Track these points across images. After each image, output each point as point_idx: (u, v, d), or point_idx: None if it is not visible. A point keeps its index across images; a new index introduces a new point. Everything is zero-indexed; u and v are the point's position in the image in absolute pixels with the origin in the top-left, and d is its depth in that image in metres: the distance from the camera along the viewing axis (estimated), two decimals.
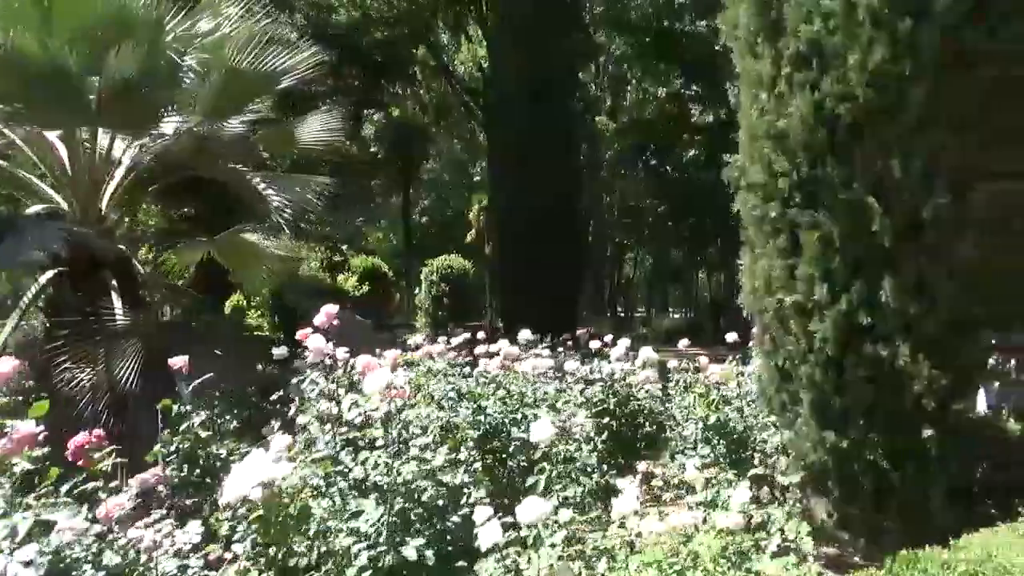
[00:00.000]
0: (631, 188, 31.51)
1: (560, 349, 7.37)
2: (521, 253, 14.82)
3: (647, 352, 6.30)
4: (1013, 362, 4.25)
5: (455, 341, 6.49)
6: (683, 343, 6.20)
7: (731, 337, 5.56)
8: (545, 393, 4.73)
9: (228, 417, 4.43)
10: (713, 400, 4.62)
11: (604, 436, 4.86)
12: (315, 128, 7.11)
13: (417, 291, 24.98)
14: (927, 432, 3.81)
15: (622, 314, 41.36)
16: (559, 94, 15.29)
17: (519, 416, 4.13)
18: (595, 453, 4.81)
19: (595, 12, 26.78)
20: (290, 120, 7.45)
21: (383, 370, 2.77)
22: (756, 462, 4.26)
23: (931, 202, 3.89)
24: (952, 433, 3.82)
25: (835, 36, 4.17)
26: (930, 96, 3.94)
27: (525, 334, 6.19)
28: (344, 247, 24.64)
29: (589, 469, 4.78)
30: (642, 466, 3.67)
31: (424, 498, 2.71)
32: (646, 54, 24.03)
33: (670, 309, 44.32)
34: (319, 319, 3.64)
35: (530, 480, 3.41)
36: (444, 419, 4.19)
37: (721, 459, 4.51)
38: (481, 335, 7.23)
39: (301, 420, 3.34)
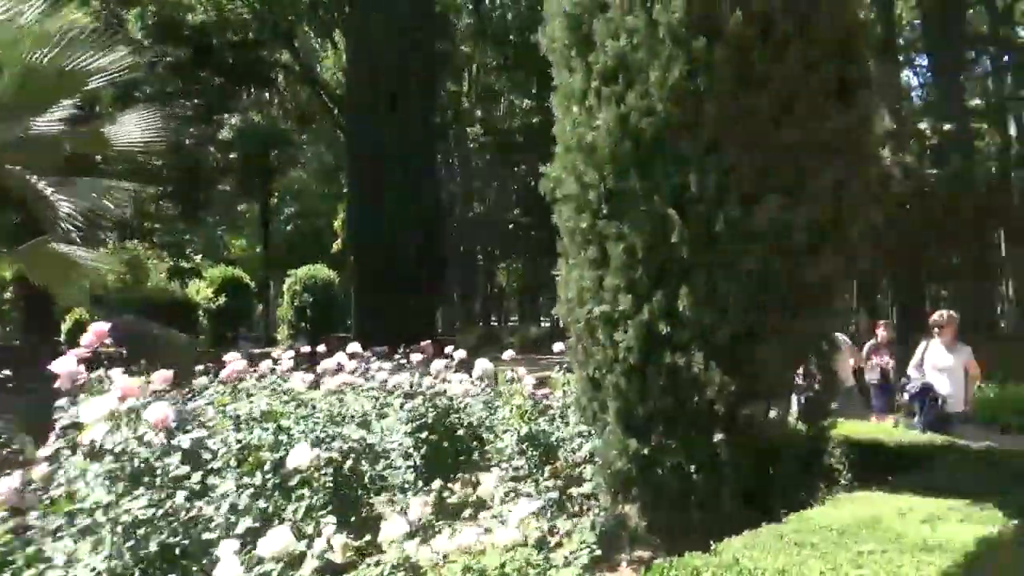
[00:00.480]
0: (502, 198, 31.81)
1: (404, 362, 7.21)
2: (376, 264, 14.46)
3: (483, 364, 6.25)
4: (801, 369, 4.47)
5: (284, 357, 6.18)
6: (508, 354, 6.17)
7: (558, 347, 5.58)
8: (353, 411, 4.56)
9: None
10: (526, 411, 4.60)
11: (423, 451, 4.75)
12: (131, 129, 6.59)
13: (280, 302, 24.05)
14: (718, 436, 3.93)
15: (495, 323, 41.66)
16: (418, 103, 15.12)
17: (322, 435, 3.95)
18: (412, 470, 4.70)
19: (465, 23, 26.93)
20: (103, 119, 6.89)
21: (105, 397, 2.52)
22: (545, 472, 4.26)
23: (723, 215, 4.03)
24: (743, 436, 3.96)
25: (639, 52, 4.27)
26: (724, 113, 4.09)
27: (354, 347, 5.99)
28: (199, 256, 23.35)
29: (406, 486, 4.67)
30: (436, 484, 3.57)
31: (161, 538, 2.48)
32: (512, 66, 24.35)
33: (541, 318, 45.00)
34: (86, 338, 3.31)
35: (290, 508, 3.23)
36: (243, 440, 3.94)
37: (535, 470, 4.49)
38: (322, 348, 6.95)
39: (43, 452, 3.01)
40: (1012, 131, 27.12)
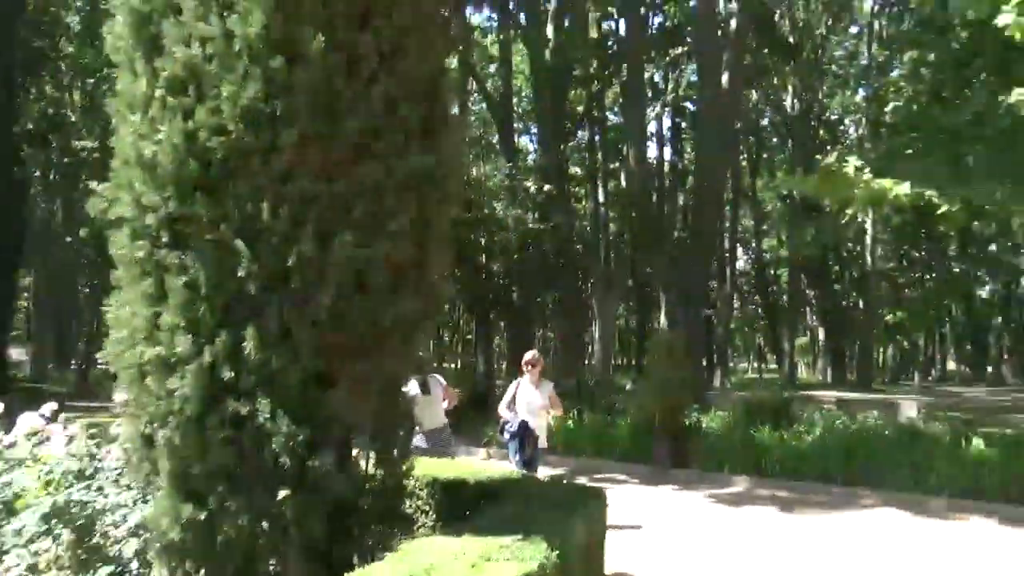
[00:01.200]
0: None
1: None
2: None
3: (29, 419, 5.12)
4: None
5: None
6: (48, 407, 5.09)
7: (119, 396, 4.73)
8: None
9: None
10: (55, 479, 3.74)
11: None
12: None
13: None
14: (283, 492, 3.57)
15: (103, 366, 36.38)
16: None
17: None
18: None
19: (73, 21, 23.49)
20: None
21: None
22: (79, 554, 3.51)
23: (297, 249, 3.73)
24: (311, 491, 3.64)
25: (212, 64, 3.83)
26: (303, 141, 3.82)
27: None
28: None
29: None
30: None
31: None
32: None
33: None
34: None
35: None
36: None
37: (67, 552, 3.65)
38: None
39: None
40: (601, 197, 32.02)
